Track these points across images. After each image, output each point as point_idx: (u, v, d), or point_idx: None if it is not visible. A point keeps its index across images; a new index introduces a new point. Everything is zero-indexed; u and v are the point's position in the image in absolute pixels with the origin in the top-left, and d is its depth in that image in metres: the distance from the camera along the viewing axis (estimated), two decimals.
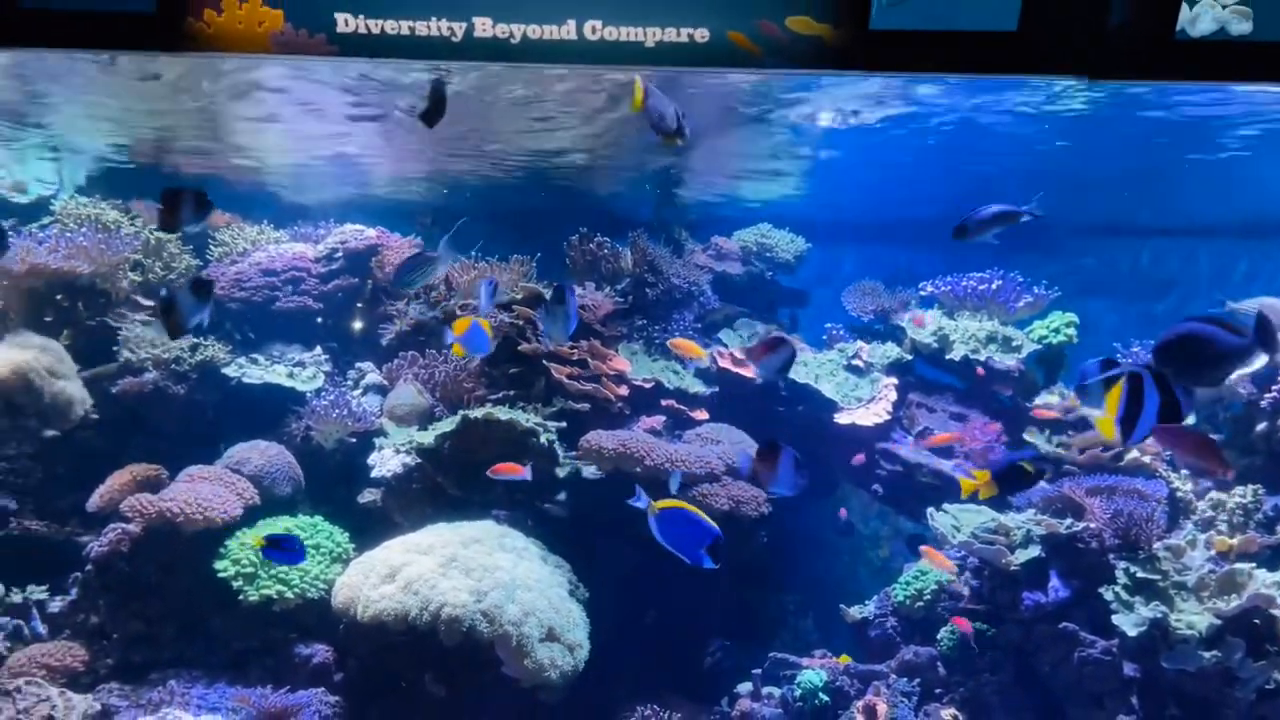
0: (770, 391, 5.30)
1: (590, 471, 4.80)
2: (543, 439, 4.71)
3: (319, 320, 5.37)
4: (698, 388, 5.29)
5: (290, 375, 5.00)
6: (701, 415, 5.24)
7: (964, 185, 5.81)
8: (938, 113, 4.73)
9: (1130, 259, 7.24)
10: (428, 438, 4.71)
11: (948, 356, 4.96)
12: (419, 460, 4.73)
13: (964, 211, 6.30)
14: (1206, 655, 3.53)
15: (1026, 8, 2.84)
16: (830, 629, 5.00)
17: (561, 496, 4.94)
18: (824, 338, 5.47)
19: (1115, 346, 4.87)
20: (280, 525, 4.52)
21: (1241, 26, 2.82)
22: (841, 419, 4.92)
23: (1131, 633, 3.64)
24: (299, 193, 6.64)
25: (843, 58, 2.94)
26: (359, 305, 5.45)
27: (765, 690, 4.39)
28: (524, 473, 4.24)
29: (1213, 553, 3.87)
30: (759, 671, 4.43)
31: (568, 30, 2.95)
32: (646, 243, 5.46)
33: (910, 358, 5.16)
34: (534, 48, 2.95)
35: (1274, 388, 4.27)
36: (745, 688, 4.48)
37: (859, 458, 4.94)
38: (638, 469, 4.51)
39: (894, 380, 5.03)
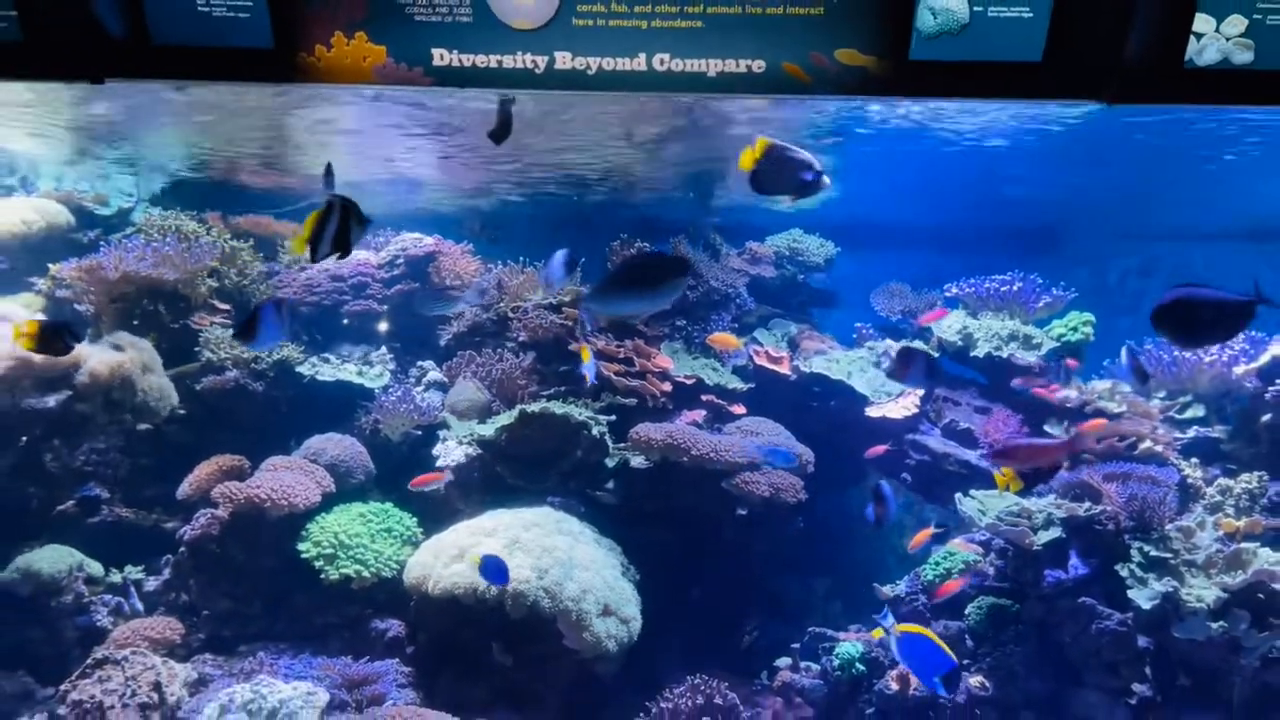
0: (804, 387, 5.65)
1: (638, 461, 5.15)
2: (594, 431, 5.07)
3: (383, 322, 5.76)
4: (735, 384, 5.64)
5: (360, 373, 5.38)
6: (739, 410, 5.58)
7: (986, 192, 6.13)
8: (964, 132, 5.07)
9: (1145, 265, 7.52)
10: (488, 430, 5.08)
11: (972, 354, 5.29)
12: (480, 451, 5.09)
13: (984, 218, 6.57)
14: (1214, 626, 3.85)
15: (1050, 42, 3.18)
16: (859, 611, 5.32)
17: (611, 485, 5.30)
18: (854, 336, 5.81)
19: (1129, 343, 5.16)
20: (354, 511, 4.90)
21: (1243, 57, 3.15)
22: (872, 413, 5.25)
23: (1145, 606, 3.96)
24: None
25: (885, 85, 3.27)
26: (419, 308, 5.83)
27: (804, 664, 4.73)
28: (443, 478, 4.67)
29: (1220, 533, 4.19)
30: (798, 646, 4.77)
31: (639, 62, 3.31)
32: (687, 248, 5.82)
33: (937, 355, 5.49)
34: (608, 78, 3.30)
35: (1279, 380, 4.58)
36: (784, 661, 4.83)
37: (877, 449, 5.23)
38: (684, 459, 4.87)
39: None
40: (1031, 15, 3.26)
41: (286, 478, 4.76)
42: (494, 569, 4.03)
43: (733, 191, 6.25)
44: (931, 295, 5.77)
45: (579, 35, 3.27)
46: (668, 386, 5.46)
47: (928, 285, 5.89)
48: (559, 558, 4.50)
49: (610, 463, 5.23)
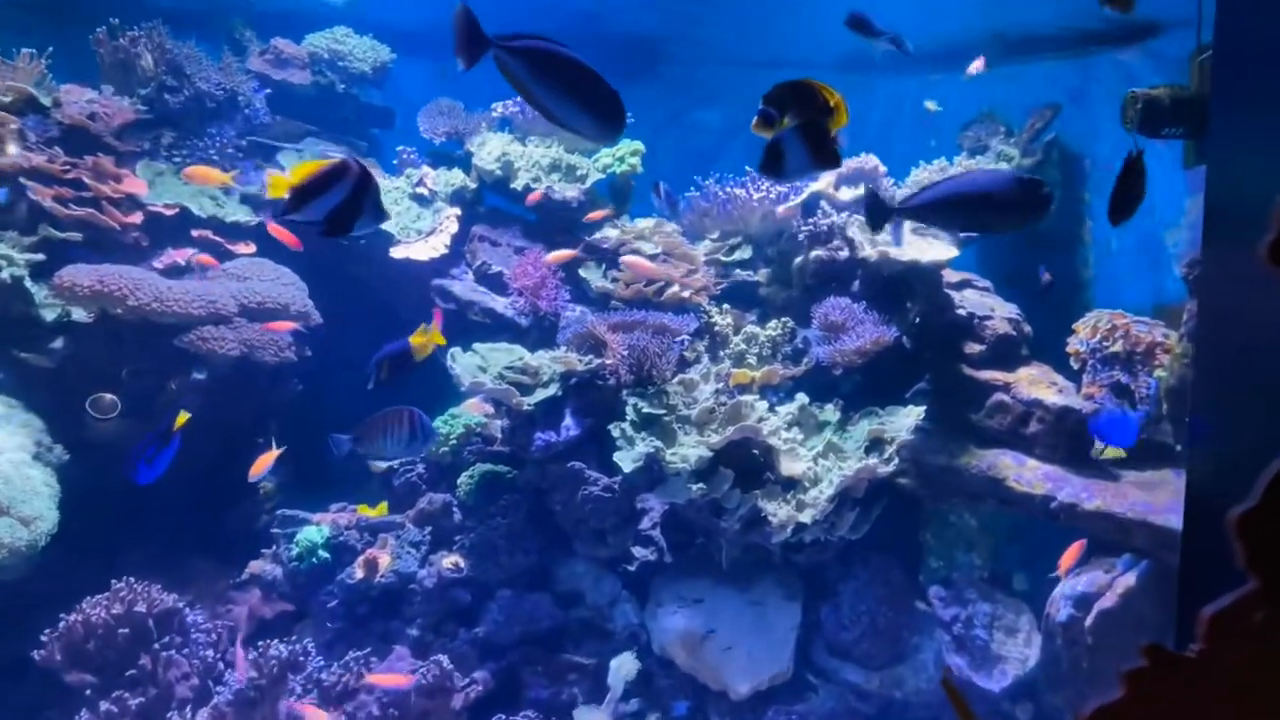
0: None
1: (79, 315, 4.03)
2: (5, 274, 3.86)
3: None
4: (239, 216, 4.57)
5: None
6: (247, 249, 4.54)
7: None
8: None
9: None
10: None
11: (512, 185, 4.54)
12: None
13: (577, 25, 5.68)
14: (694, 488, 3.47)
15: None
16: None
17: (58, 344, 4.15)
18: (394, 162, 4.86)
19: (657, 181, 4.57)
20: None
21: None
22: (397, 253, 4.42)
23: (628, 468, 3.53)
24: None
25: None
26: None
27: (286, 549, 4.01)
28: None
29: (725, 385, 3.81)
30: (279, 531, 4.02)
31: None
32: (165, 37, 4.52)
33: (475, 186, 4.69)
34: None
35: (810, 220, 4.21)
36: (270, 550, 4.08)
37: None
38: (119, 310, 3.82)
39: (457, 211, 4.56)
40: None
41: None
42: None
43: None
44: (481, 115, 4.90)
45: None
46: (137, 218, 4.30)
47: (489, 102, 5.00)
48: None
49: (49, 316, 4.07)
